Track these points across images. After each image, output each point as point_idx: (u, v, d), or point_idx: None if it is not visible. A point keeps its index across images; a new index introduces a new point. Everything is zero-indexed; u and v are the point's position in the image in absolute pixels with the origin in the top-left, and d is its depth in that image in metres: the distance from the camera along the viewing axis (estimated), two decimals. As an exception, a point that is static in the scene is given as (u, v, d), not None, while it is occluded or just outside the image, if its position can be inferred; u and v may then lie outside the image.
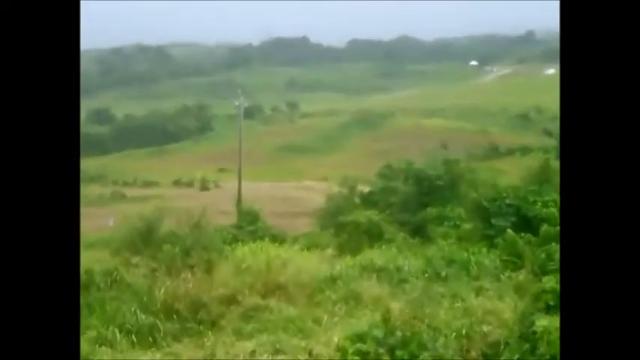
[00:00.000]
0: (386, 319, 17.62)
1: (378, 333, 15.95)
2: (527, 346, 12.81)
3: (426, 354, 15.31)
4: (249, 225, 46.38)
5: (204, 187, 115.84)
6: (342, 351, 15.57)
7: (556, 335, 11.38)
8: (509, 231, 29.56)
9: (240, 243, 29.03)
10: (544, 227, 29.55)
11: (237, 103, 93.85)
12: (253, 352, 15.55)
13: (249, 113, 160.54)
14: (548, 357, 11.25)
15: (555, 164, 58.45)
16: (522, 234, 29.21)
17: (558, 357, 11.14)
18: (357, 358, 15.20)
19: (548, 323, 11.70)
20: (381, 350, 15.33)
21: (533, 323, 14.43)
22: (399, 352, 15.30)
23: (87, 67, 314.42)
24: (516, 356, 11.81)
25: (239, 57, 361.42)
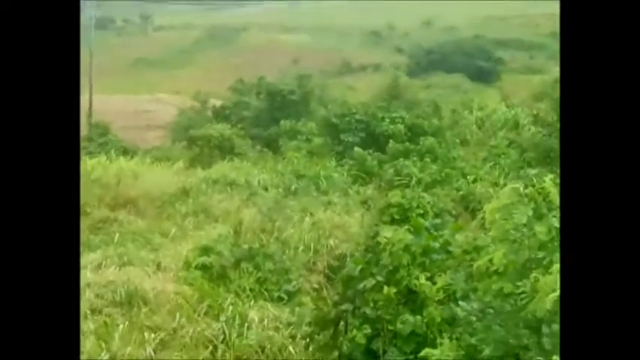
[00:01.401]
0: (235, 233, 17.82)
1: (224, 246, 16.10)
2: (370, 256, 13.10)
3: (271, 266, 15.55)
4: (99, 137, 45.61)
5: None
6: (187, 264, 15.68)
7: (399, 247, 11.62)
8: (357, 149, 30.05)
9: (89, 156, 28.60)
10: (391, 143, 30.17)
11: (88, 15, 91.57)
12: (100, 263, 15.46)
13: (101, 24, 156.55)
14: (391, 268, 11.51)
15: (404, 80, 59.26)
16: (370, 150, 29.74)
17: (400, 267, 11.49)
18: (199, 271, 15.33)
19: (392, 235, 11.98)
20: (226, 263, 15.49)
21: (377, 235, 14.75)
22: (244, 265, 15.49)
23: None
24: (359, 267, 12.04)
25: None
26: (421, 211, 19.12)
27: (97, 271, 15.00)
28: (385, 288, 11.12)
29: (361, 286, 11.64)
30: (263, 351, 13.02)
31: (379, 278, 11.49)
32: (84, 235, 18.31)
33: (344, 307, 11.98)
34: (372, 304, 11.37)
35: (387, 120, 33.19)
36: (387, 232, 12.56)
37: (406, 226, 12.19)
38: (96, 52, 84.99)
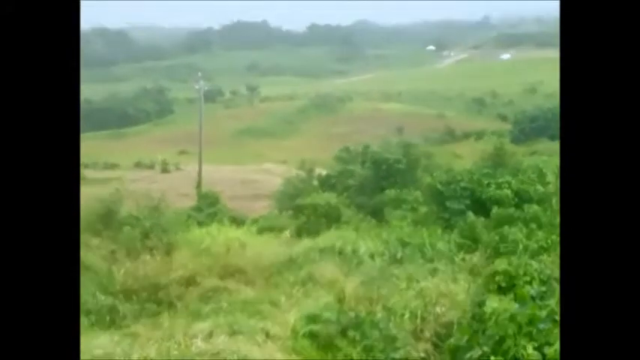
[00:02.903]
0: (340, 300, 17.93)
1: (331, 314, 16.22)
2: (476, 325, 13.10)
3: (378, 334, 15.60)
4: (208, 207, 46.44)
5: (164, 170, 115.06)
6: (295, 332, 15.83)
7: (504, 317, 11.63)
8: (470, 214, 29.90)
9: (199, 225, 29.18)
10: (495, 209, 29.95)
11: (197, 87, 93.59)
12: (210, 332, 15.74)
13: (210, 96, 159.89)
14: (497, 338, 11.51)
15: (509, 147, 58.81)
16: (476, 217, 29.57)
17: (506, 337, 11.48)
18: (306, 339, 15.46)
19: (498, 305, 12.02)
20: (333, 331, 15.60)
21: (483, 303, 14.73)
22: (351, 333, 15.57)
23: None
24: (466, 337, 12.07)
25: (199, 40, 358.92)
26: (528, 279, 18.97)
27: (208, 340, 15.28)
28: (492, 358, 11.12)
29: (468, 356, 11.65)
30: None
31: (485, 349, 11.49)
32: (194, 305, 18.70)
33: (452, 376, 11.99)
34: (479, 375, 11.37)
35: (493, 186, 33.02)
36: (492, 302, 12.57)
37: (511, 295, 12.18)
38: (205, 124, 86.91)
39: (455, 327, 16.04)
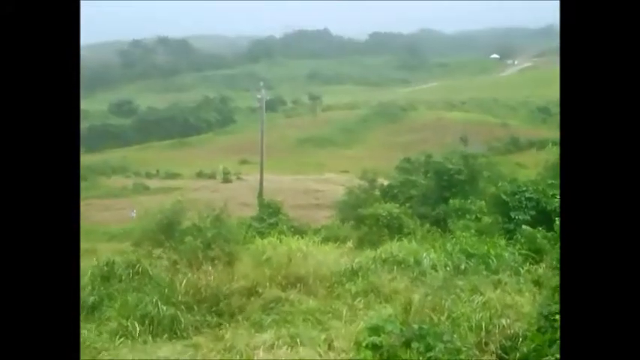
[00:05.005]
0: (404, 312, 17.76)
1: (394, 326, 16.05)
2: (545, 338, 12.88)
3: (442, 346, 15.40)
4: (270, 217, 46.42)
5: (226, 179, 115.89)
6: (357, 343, 15.70)
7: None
8: (525, 226, 29.57)
9: (261, 235, 29.18)
10: (558, 221, 29.56)
11: (259, 96, 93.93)
12: (272, 344, 15.70)
13: (271, 106, 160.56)
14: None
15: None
16: (541, 228, 29.21)
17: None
18: (369, 351, 15.31)
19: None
20: (396, 343, 15.43)
21: (550, 315, 14.49)
22: (414, 345, 15.39)
23: (108, 59, 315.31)
24: (533, 347, 11.87)
25: (261, 49, 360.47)
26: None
27: (270, 352, 15.24)
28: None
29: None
30: None
31: (553, 360, 11.28)
32: (256, 315, 18.67)
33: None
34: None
35: (559, 197, 32.63)
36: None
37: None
38: (266, 133, 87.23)
39: (520, 339, 15.81)
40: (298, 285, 20.87)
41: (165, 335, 17.62)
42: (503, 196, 34.55)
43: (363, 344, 15.68)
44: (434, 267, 22.83)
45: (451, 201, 40.35)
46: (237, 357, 15.26)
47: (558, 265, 23.41)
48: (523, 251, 26.43)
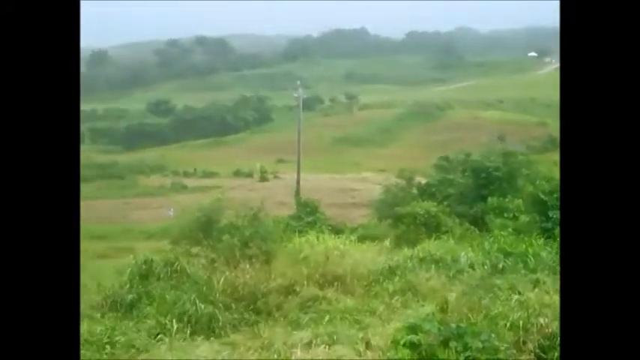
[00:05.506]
0: (442, 311, 17.72)
1: (432, 324, 16.00)
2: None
3: (480, 345, 15.34)
4: (307, 216, 46.51)
5: (263, 178, 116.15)
6: (395, 342, 15.68)
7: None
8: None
9: (298, 234, 29.22)
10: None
11: (296, 95, 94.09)
12: (310, 342, 15.70)
13: (308, 105, 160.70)
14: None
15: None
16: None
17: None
18: (407, 349, 15.28)
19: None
20: (434, 342, 15.39)
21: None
22: (452, 344, 15.34)
23: (145, 58, 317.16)
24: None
25: (298, 48, 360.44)
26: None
27: (307, 350, 15.25)
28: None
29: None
30: None
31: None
32: (293, 314, 18.69)
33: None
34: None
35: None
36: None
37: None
38: (303, 132, 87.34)
39: (559, 339, 15.71)
40: (335, 283, 20.87)
41: (203, 333, 17.68)
42: (542, 195, 34.33)
43: (401, 343, 15.64)
44: (471, 266, 22.73)
45: (489, 199, 40.19)
46: (275, 356, 15.27)
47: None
48: (561, 250, 26.26)
